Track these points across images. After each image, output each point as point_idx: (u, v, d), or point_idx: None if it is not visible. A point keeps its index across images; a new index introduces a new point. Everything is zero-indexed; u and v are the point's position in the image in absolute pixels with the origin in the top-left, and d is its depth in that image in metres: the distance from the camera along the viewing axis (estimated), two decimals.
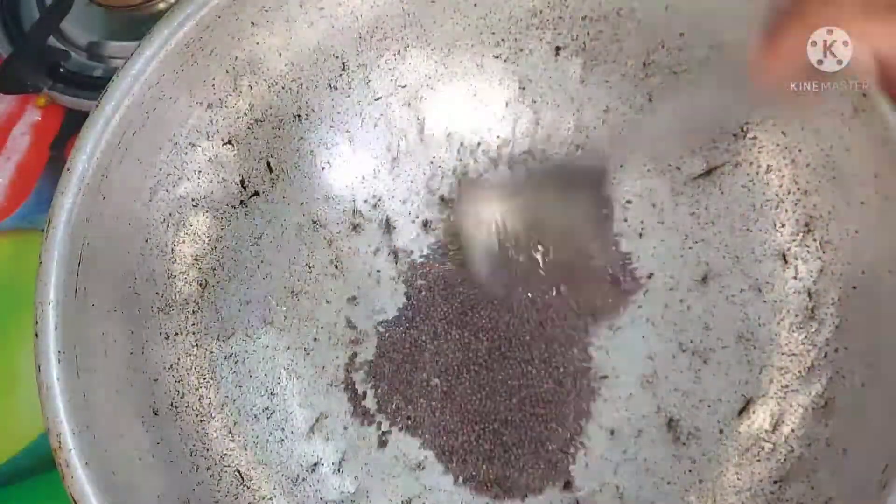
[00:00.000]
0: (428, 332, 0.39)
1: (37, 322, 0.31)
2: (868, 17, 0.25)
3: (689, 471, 0.36)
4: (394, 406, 0.38)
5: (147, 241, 0.36)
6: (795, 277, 0.36)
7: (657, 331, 0.38)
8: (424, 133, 0.40)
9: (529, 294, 0.39)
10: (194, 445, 0.35)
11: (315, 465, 0.37)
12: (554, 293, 0.38)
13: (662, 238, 0.39)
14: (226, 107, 0.37)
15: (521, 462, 0.37)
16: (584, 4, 0.37)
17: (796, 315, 0.36)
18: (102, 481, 0.30)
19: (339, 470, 0.37)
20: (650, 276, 0.38)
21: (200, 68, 0.36)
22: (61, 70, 0.49)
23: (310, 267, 0.40)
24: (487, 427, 0.37)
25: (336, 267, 0.40)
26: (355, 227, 0.40)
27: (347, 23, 0.38)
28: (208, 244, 0.38)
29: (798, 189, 0.36)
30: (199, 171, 0.37)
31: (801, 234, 0.36)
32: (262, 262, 0.39)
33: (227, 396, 0.37)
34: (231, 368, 0.38)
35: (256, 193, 0.39)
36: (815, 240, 0.35)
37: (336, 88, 0.39)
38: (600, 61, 0.38)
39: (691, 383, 0.37)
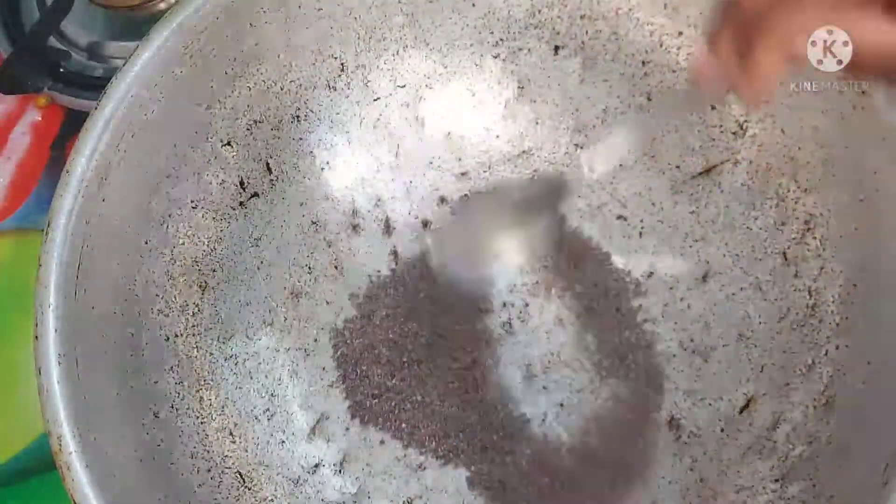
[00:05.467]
0: (424, 330, 0.39)
1: (36, 325, 0.31)
2: (838, 12, 0.23)
3: (691, 469, 0.36)
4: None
5: (146, 242, 0.36)
6: (796, 275, 0.36)
7: (657, 329, 0.38)
8: (424, 133, 0.40)
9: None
10: (195, 447, 0.35)
11: (316, 465, 0.37)
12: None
13: (662, 237, 0.38)
14: (224, 108, 0.37)
15: (520, 465, 0.37)
16: (582, 3, 0.37)
17: (797, 313, 0.35)
18: (103, 483, 0.30)
19: (340, 471, 0.37)
20: (650, 274, 0.38)
21: (199, 69, 0.36)
22: (61, 70, 0.49)
23: (309, 268, 0.39)
24: (488, 426, 0.37)
25: (336, 268, 0.40)
26: (355, 227, 0.40)
27: (346, 23, 0.38)
28: (208, 246, 0.38)
29: (798, 187, 0.35)
30: (198, 173, 0.37)
31: (801, 232, 0.36)
32: (261, 263, 0.39)
33: (227, 398, 0.37)
34: (231, 370, 0.38)
35: (256, 194, 0.39)
36: (815, 238, 0.35)
37: (335, 89, 0.39)
38: (599, 60, 0.38)
39: (692, 382, 0.37)
